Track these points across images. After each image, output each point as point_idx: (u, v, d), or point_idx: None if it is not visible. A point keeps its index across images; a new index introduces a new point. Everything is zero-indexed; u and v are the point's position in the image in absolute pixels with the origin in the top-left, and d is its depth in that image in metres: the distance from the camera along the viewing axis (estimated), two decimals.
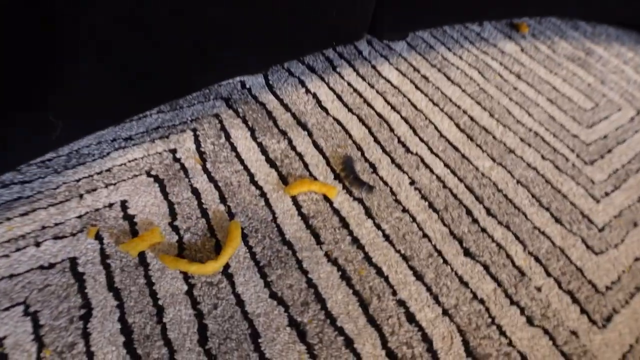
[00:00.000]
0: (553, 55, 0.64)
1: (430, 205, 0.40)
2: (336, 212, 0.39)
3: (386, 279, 0.35)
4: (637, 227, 0.43)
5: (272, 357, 0.30)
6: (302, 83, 0.50)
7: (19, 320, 0.30)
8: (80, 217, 0.35)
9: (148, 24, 0.33)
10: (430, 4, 0.55)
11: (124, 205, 0.36)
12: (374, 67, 0.55)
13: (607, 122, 0.55)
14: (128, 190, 0.37)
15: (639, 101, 0.60)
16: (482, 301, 0.35)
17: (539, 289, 0.36)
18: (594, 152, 0.50)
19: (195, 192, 0.38)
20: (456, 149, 0.46)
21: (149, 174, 0.39)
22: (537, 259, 0.38)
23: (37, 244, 0.33)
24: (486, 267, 0.37)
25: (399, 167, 0.43)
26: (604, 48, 0.69)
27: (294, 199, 0.39)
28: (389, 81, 0.53)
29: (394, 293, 0.34)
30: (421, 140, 0.46)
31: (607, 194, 0.46)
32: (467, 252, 0.37)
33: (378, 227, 0.38)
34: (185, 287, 0.32)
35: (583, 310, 0.36)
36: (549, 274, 0.37)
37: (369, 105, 0.49)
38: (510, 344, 0.33)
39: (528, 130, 0.51)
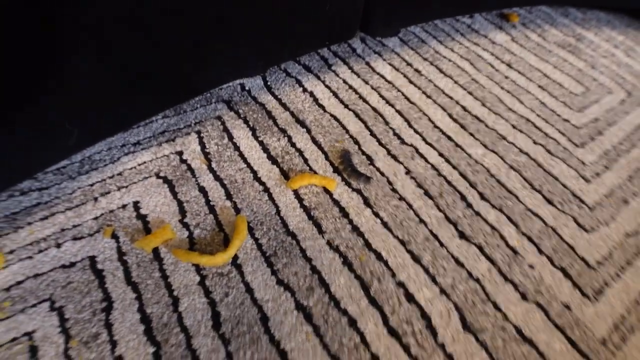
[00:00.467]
0: (543, 43, 0.66)
1: (426, 193, 0.42)
2: (336, 202, 0.41)
3: (385, 263, 0.37)
4: (628, 205, 0.45)
5: (281, 338, 0.32)
6: (299, 82, 0.52)
7: (46, 315, 0.32)
8: (96, 218, 0.38)
9: (148, 24, 0.35)
10: (421, 0, 0.56)
11: (136, 205, 0.39)
12: (367, 63, 0.57)
13: (598, 105, 0.57)
14: (139, 191, 0.40)
15: (630, 84, 0.61)
16: (477, 280, 0.36)
17: (532, 267, 0.38)
18: (585, 135, 0.52)
19: (203, 190, 0.40)
20: (449, 138, 0.48)
21: (158, 176, 0.41)
22: (529, 239, 0.40)
23: (58, 245, 0.36)
24: (480, 248, 0.39)
25: (394, 158, 0.45)
26: (595, 33, 0.71)
27: (296, 193, 0.41)
28: (382, 76, 0.55)
29: (393, 275, 0.36)
30: (415, 131, 0.48)
31: (597, 175, 0.47)
32: (462, 235, 0.39)
33: (376, 215, 0.40)
34: (198, 278, 0.34)
35: (575, 285, 0.37)
36: (541, 252, 0.39)
37: (364, 100, 0.51)
38: (505, 318, 0.35)
39: (519, 117, 0.52)
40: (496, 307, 0.35)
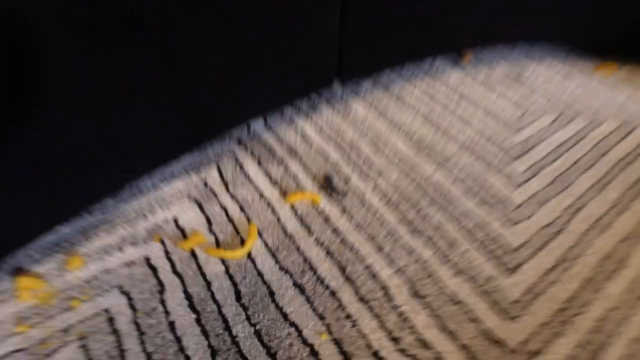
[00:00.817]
0: (493, 75, 0.81)
1: (388, 202, 0.56)
2: (321, 212, 0.55)
3: (356, 252, 0.51)
4: (546, 203, 0.58)
5: (283, 305, 0.46)
6: (292, 121, 0.68)
7: (117, 297, 0.46)
8: (147, 230, 0.52)
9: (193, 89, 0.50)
10: (390, 50, 0.72)
11: (175, 220, 0.53)
12: (345, 102, 0.72)
13: (532, 126, 0.71)
14: (177, 209, 0.54)
15: (562, 104, 0.75)
16: (424, 262, 0.50)
17: (467, 251, 0.51)
18: (519, 151, 0.66)
19: (223, 207, 0.55)
20: (408, 159, 0.62)
21: (189, 197, 0.56)
22: (467, 231, 0.54)
23: (120, 250, 0.50)
24: (428, 239, 0.52)
25: (365, 177, 0.59)
26: (537, 63, 0.86)
27: (292, 206, 0.55)
28: (357, 113, 0.70)
29: (362, 261, 0.50)
30: (382, 155, 0.63)
31: (525, 181, 0.61)
32: (414, 230, 0.53)
33: (350, 219, 0.54)
34: (223, 268, 0.49)
35: (499, 263, 0.51)
36: (474, 241, 0.53)
37: (343, 134, 0.66)
38: (443, 287, 0.48)
39: (467, 139, 0.67)
40: (437, 279, 0.49)
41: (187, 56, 0.47)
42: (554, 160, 0.65)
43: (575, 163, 0.64)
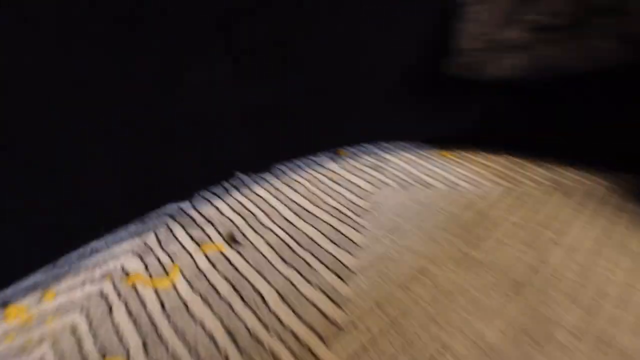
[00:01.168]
0: (359, 166, 1.15)
1: (270, 246, 0.84)
2: (225, 256, 0.81)
3: (252, 285, 0.76)
4: (379, 242, 0.88)
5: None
6: (208, 200, 0.96)
7: (79, 315, 0.68)
8: (101, 274, 0.75)
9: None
10: (284, 150, 1.05)
11: (122, 266, 0.77)
12: (248, 187, 1.02)
13: (380, 196, 1.03)
14: (124, 260, 0.79)
15: (406, 182, 1.09)
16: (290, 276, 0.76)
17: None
18: (368, 213, 0.97)
19: (157, 257, 0.80)
20: (292, 223, 0.92)
21: (133, 252, 0.80)
22: (322, 260, 0.81)
23: (82, 287, 0.73)
24: (299, 272, 0.79)
25: (258, 234, 0.87)
26: (393, 155, 1.22)
27: (205, 253, 0.81)
28: (259, 196, 1.00)
29: (258, 292, 0.75)
30: (272, 222, 0.92)
31: (368, 230, 0.91)
32: (284, 260, 0.80)
33: (245, 258, 0.80)
34: (155, 295, 0.72)
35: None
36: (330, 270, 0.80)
37: (247, 208, 0.95)
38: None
39: (332, 208, 0.97)
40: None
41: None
42: (393, 222, 0.96)
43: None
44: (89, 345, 0.63)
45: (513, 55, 1.00)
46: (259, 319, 0.68)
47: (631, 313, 0.59)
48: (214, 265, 0.78)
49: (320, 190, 1.04)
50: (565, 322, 0.59)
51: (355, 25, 1.01)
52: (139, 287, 0.73)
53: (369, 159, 1.19)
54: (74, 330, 0.66)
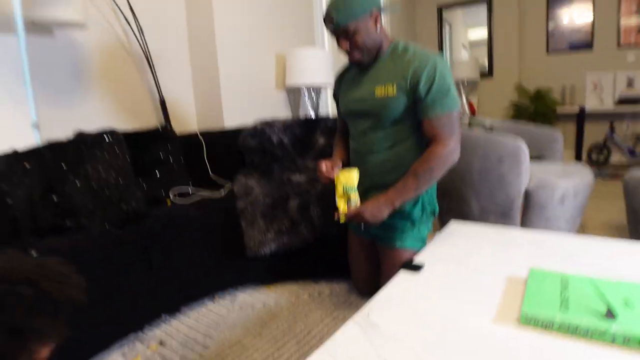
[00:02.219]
0: (230, 307, 2.01)
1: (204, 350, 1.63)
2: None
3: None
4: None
5: None
6: (179, 319, 1.69)
7: None
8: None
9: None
10: (190, 291, 1.87)
11: None
12: (185, 313, 1.78)
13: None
14: None
15: (255, 316, 2.01)
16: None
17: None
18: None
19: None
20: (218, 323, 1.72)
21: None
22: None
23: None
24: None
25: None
26: (248, 294, 2.13)
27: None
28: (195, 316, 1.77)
29: None
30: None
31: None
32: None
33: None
34: None
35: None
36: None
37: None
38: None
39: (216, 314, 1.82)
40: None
41: None
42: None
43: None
44: None
45: None
46: None
47: None
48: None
49: (219, 319, 1.86)
50: None
51: None
52: None
53: (232, 299, 2.09)
54: None
